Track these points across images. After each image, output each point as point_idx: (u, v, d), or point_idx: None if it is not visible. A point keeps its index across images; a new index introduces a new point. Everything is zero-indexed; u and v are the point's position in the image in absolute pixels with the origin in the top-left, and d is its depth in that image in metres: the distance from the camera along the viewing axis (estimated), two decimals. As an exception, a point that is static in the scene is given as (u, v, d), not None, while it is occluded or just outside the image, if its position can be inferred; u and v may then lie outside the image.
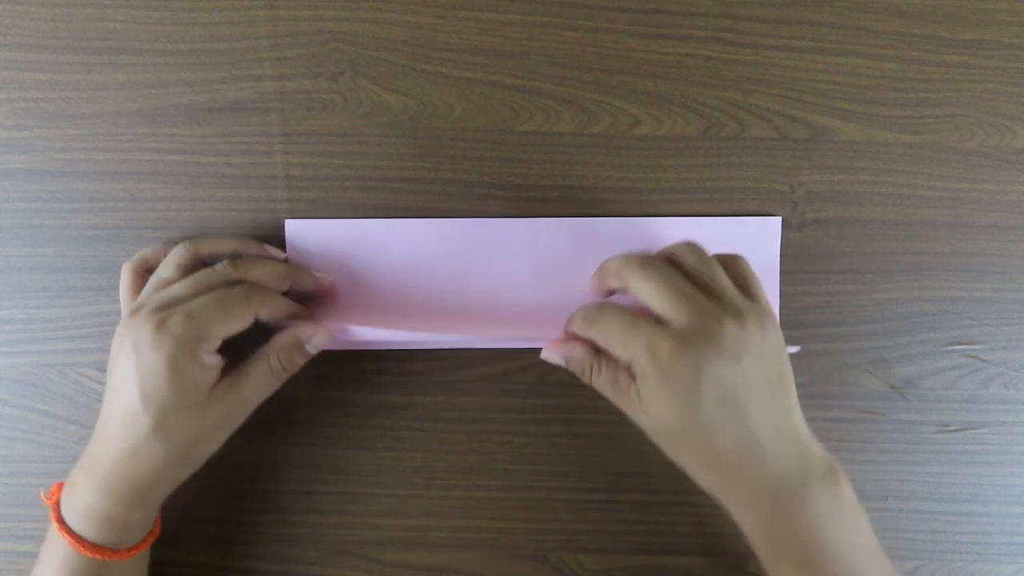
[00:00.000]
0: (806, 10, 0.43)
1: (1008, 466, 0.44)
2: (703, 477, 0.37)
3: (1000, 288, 0.44)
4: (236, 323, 0.37)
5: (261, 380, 0.38)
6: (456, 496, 0.44)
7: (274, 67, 0.43)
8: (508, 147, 0.43)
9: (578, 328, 0.38)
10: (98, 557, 0.37)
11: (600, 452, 0.37)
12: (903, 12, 0.43)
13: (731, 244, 0.43)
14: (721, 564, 0.43)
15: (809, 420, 0.37)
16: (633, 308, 0.37)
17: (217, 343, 0.36)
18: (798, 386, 0.37)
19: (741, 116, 0.43)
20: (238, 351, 0.38)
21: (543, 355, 0.39)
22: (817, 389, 0.43)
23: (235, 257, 0.40)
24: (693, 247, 0.38)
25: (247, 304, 0.37)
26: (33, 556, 0.38)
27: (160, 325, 0.35)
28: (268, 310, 0.38)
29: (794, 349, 0.40)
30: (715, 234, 0.43)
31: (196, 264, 0.39)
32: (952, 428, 0.44)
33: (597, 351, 0.38)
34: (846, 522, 0.35)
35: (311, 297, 0.42)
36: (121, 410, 0.36)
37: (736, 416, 0.35)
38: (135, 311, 0.36)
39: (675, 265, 0.37)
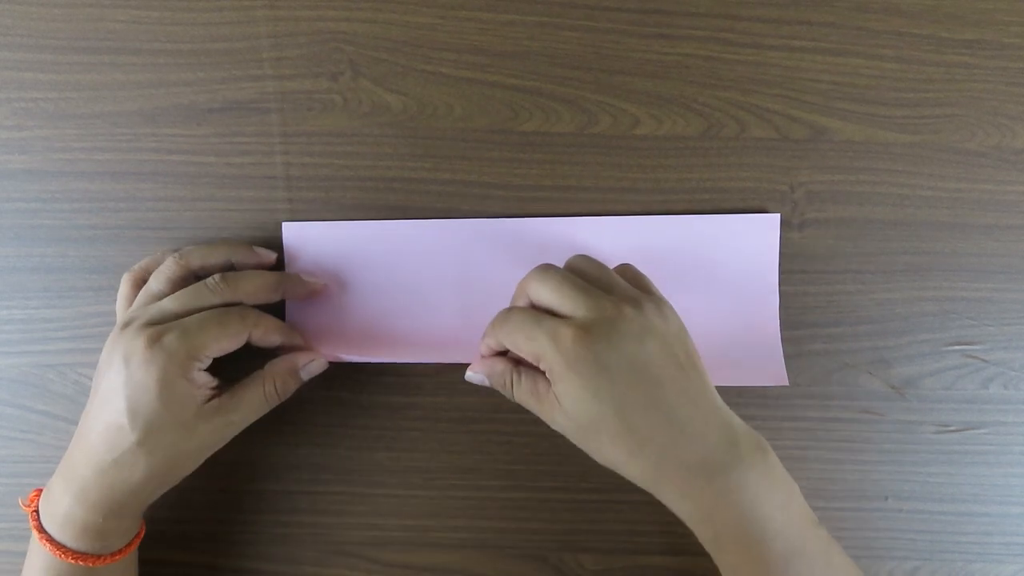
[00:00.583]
0: (806, 10, 0.43)
1: (1008, 466, 0.44)
2: (633, 469, 0.36)
3: (1000, 288, 0.44)
4: (229, 342, 0.37)
5: (253, 404, 0.38)
6: (456, 496, 0.44)
7: (274, 67, 0.43)
8: (508, 147, 0.43)
9: (489, 336, 0.38)
10: (81, 563, 0.36)
11: (600, 452, 0.37)
12: (903, 12, 0.43)
13: (730, 241, 0.43)
14: (721, 564, 0.43)
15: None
16: None
17: (208, 362, 0.36)
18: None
19: (741, 116, 0.43)
20: (228, 375, 0.38)
21: (467, 376, 0.40)
22: (817, 389, 0.43)
23: (226, 269, 0.40)
24: (586, 257, 0.39)
25: (242, 323, 0.37)
26: (33, 556, 0.38)
27: (154, 340, 0.35)
28: (262, 331, 0.38)
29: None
30: (714, 232, 0.43)
31: (187, 277, 0.39)
32: (952, 428, 0.44)
33: (516, 363, 0.38)
34: (780, 496, 0.35)
35: (309, 298, 0.42)
36: (105, 422, 0.35)
37: (650, 395, 0.35)
38: (126, 324, 0.36)
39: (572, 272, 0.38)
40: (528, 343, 0.36)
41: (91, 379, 0.43)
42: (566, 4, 0.43)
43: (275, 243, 0.43)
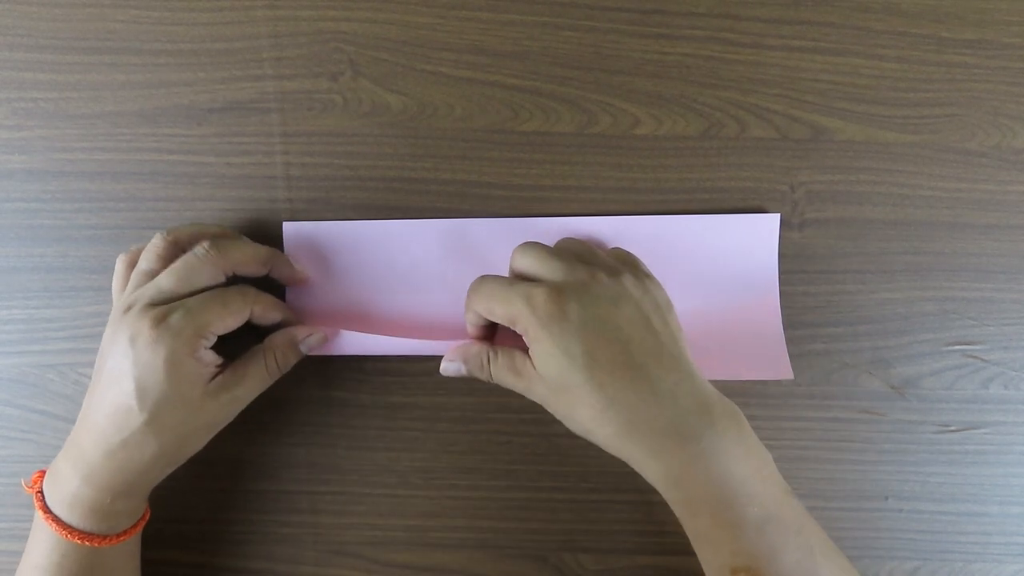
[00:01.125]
0: (806, 10, 0.43)
1: (1008, 466, 0.44)
2: (604, 434, 0.36)
3: (1000, 288, 0.44)
4: (233, 319, 0.37)
5: (256, 378, 0.38)
6: (456, 496, 0.44)
7: (274, 67, 0.43)
8: (508, 147, 0.43)
9: (467, 310, 0.39)
10: (88, 544, 0.37)
11: (600, 452, 0.37)
12: (903, 12, 0.43)
13: (730, 241, 0.43)
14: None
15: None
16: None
17: (213, 339, 0.37)
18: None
19: (741, 116, 0.43)
20: (229, 352, 0.38)
21: (442, 368, 0.40)
22: (817, 389, 0.43)
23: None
24: (573, 238, 0.41)
25: (243, 300, 0.38)
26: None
27: (159, 320, 0.35)
28: (262, 308, 0.39)
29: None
30: (714, 232, 0.43)
31: (176, 254, 0.39)
32: (952, 428, 0.44)
33: (491, 342, 0.39)
34: (755, 462, 0.35)
35: (308, 297, 0.42)
36: (113, 403, 0.36)
37: (620, 353, 0.35)
38: (128, 307, 0.36)
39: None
40: (503, 306, 0.36)
41: (91, 379, 0.43)
42: (566, 4, 0.43)
43: (275, 243, 0.43)
